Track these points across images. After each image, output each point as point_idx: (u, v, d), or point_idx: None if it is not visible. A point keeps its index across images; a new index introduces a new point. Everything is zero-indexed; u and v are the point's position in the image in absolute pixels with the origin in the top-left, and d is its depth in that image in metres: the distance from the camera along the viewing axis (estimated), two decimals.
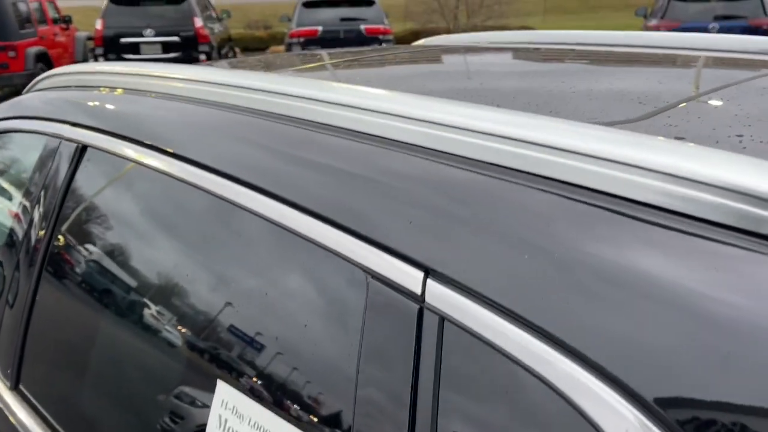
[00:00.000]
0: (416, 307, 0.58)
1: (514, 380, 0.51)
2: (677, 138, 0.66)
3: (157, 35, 10.20)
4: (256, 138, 0.85)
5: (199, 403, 0.81)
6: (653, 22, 10.10)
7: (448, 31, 14.24)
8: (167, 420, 0.85)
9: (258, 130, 0.85)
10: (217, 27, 11.53)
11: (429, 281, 0.58)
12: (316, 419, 0.67)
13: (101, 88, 1.21)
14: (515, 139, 0.61)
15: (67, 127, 1.18)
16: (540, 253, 0.54)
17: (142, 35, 10.18)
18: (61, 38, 11.43)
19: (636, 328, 0.47)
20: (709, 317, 0.45)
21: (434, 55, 1.46)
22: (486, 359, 0.52)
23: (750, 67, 1.11)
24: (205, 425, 0.77)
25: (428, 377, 0.56)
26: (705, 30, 9.52)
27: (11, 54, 9.67)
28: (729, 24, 9.58)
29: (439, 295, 0.57)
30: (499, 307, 0.52)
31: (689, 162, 0.51)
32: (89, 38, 11.76)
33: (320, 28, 10.57)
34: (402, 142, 0.70)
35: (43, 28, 10.71)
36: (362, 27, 10.62)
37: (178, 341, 0.90)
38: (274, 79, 0.91)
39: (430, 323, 0.57)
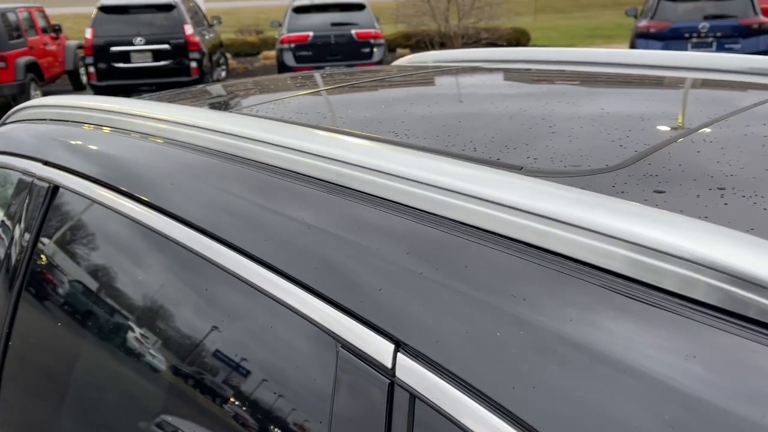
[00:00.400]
0: (386, 382, 0.55)
1: None
2: (657, 192, 0.64)
3: (147, 43, 10.14)
4: (231, 187, 0.82)
5: None
6: (643, 22, 10.10)
7: (439, 33, 14.22)
8: None
9: (233, 178, 0.83)
10: (207, 33, 11.49)
11: (399, 355, 0.55)
12: None
13: (76, 124, 1.18)
14: (486, 200, 0.59)
15: (39, 165, 1.15)
16: (512, 326, 0.51)
17: (132, 43, 10.13)
18: (51, 47, 11.38)
19: (617, 411, 0.44)
20: (689, 399, 0.43)
21: (411, 82, 1.43)
22: None
23: (735, 97, 1.09)
24: None
25: None
26: (695, 29, 9.54)
27: (0, 64, 9.63)
28: (719, 23, 9.59)
29: (410, 371, 0.54)
30: (472, 390, 0.50)
31: (660, 233, 0.49)
32: (79, 47, 11.71)
33: (311, 34, 10.54)
34: (376, 197, 0.68)
35: (32, 38, 10.67)
36: (353, 32, 10.59)
37: (154, 397, 0.87)
38: (253, 124, 0.88)
39: (400, 401, 0.54)
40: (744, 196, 0.62)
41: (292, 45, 10.55)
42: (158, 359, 0.85)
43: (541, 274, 0.54)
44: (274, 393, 0.68)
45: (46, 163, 1.13)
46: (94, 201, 0.99)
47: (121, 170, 0.99)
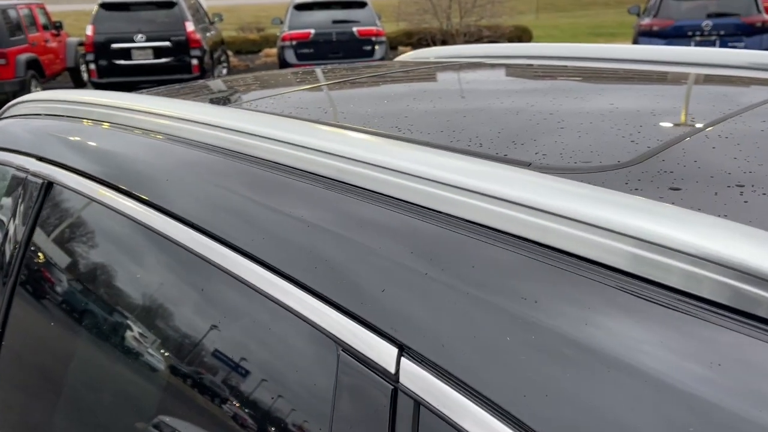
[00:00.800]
0: (390, 387, 0.53)
1: None
2: (672, 189, 0.61)
3: (148, 40, 10.11)
4: (228, 183, 0.79)
5: None
6: (646, 20, 10.06)
7: (441, 31, 14.19)
8: None
9: (230, 174, 0.80)
10: (209, 30, 11.45)
11: (403, 359, 0.52)
12: None
13: (72, 119, 1.16)
14: (495, 197, 0.56)
15: (33, 160, 1.12)
16: (521, 330, 0.49)
17: (133, 40, 10.09)
18: (52, 44, 11.35)
19: (627, 416, 0.42)
20: (691, 398, 0.41)
21: (414, 77, 1.40)
22: None
23: (747, 93, 1.06)
24: None
25: None
26: (698, 27, 9.50)
27: (1, 61, 9.60)
28: (722, 21, 9.55)
29: (415, 376, 0.51)
30: (479, 397, 0.47)
31: (664, 228, 0.47)
32: (80, 44, 11.68)
33: (312, 31, 10.50)
34: (376, 193, 0.65)
35: (33, 35, 10.63)
36: (355, 29, 10.55)
37: (149, 397, 0.85)
38: (252, 119, 0.86)
39: (404, 407, 0.51)
40: (765, 194, 0.59)
41: (294, 42, 10.52)
42: (154, 359, 0.83)
43: (552, 275, 0.51)
44: (272, 397, 0.65)
45: (40, 158, 1.11)
46: (89, 198, 0.97)
47: (117, 166, 0.97)
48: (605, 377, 0.44)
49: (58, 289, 1.05)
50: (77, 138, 1.11)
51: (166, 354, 0.80)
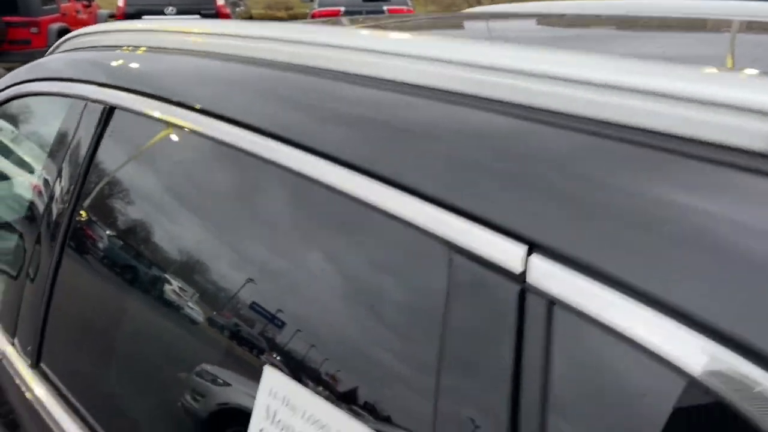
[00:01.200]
0: (516, 288, 0.48)
1: (647, 374, 0.41)
2: None
3: (178, 13, 10.11)
4: (302, 96, 0.75)
5: (228, 383, 0.75)
6: None
7: None
8: (192, 399, 0.78)
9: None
10: (238, 6, 11.43)
11: (533, 258, 0.48)
12: (381, 416, 0.57)
13: (126, 48, 1.12)
14: (627, 89, 0.51)
15: (93, 87, 1.09)
16: (665, 220, 0.44)
17: (163, 13, 10.10)
18: (83, 15, 11.38)
19: None
20: None
21: (498, 18, 1.35)
22: (611, 351, 0.43)
23: None
24: (233, 405, 0.72)
25: (533, 377, 0.46)
26: None
27: (33, 30, 9.64)
28: None
29: (547, 274, 0.47)
30: (625, 286, 0.42)
31: None
32: (111, 15, 11.70)
33: (343, 9, 10.42)
34: (487, 98, 0.60)
35: (65, 5, 10.66)
36: (385, 8, 10.45)
37: (210, 320, 0.81)
38: (311, 30, 0.81)
39: (535, 308, 0.47)
40: None
41: (324, 20, 10.45)
42: (237, 280, 0.78)
43: (691, 167, 0.46)
44: (372, 306, 0.61)
45: (101, 84, 1.07)
46: (153, 119, 0.93)
47: (178, 86, 0.93)
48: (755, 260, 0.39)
49: (121, 221, 1.01)
50: (135, 63, 1.07)
51: (257, 279, 0.75)
